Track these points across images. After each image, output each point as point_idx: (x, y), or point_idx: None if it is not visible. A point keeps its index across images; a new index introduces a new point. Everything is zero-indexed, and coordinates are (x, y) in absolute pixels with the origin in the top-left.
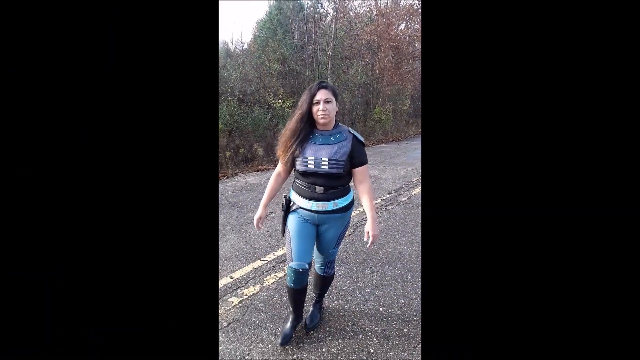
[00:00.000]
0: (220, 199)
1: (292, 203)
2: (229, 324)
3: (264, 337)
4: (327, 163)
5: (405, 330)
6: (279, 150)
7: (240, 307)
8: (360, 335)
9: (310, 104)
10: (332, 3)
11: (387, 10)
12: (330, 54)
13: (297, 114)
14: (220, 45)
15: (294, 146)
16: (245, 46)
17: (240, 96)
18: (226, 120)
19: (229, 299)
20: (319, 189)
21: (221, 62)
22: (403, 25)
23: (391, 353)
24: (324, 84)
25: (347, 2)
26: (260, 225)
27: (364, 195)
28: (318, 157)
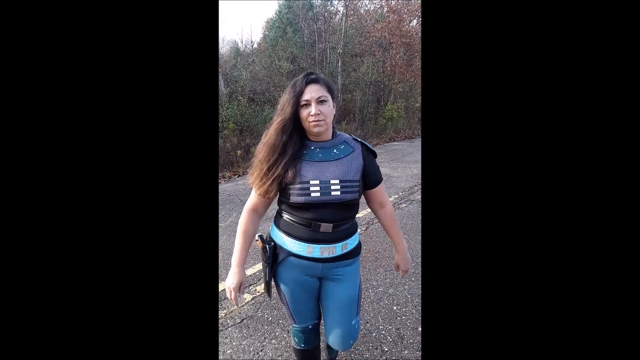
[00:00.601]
0: (232, 197)
1: (278, 249)
2: (242, 320)
3: (277, 334)
4: (338, 187)
5: (420, 329)
6: (253, 177)
7: (253, 303)
8: (374, 334)
9: (297, 106)
10: (342, 1)
11: (398, 7)
12: (341, 51)
13: (278, 121)
14: (230, 45)
15: (279, 168)
16: (255, 45)
17: (251, 95)
18: (237, 120)
19: (243, 295)
20: (325, 226)
21: (231, 61)
22: (415, 21)
23: (406, 352)
24: (313, 77)
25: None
26: (241, 298)
27: (392, 222)
28: (325, 179)
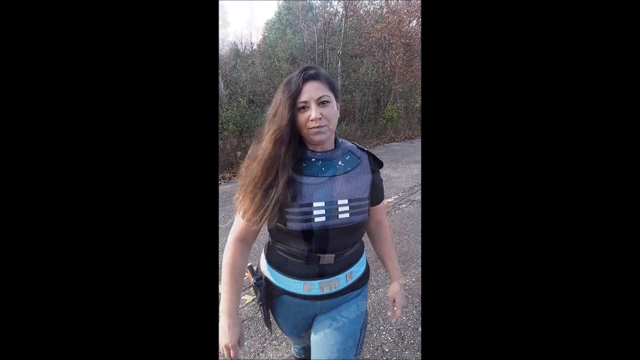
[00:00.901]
0: (232, 199)
1: (271, 287)
2: (243, 321)
3: (277, 335)
4: (347, 207)
5: (421, 329)
6: (245, 204)
7: (253, 305)
8: (375, 334)
9: (293, 110)
10: (342, 2)
11: (398, 8)
12: (340, 52)
13: (272, 131)
14: (229, 46)
15: (279, 188)
16: (255, 47)
17: (251, 96)
18: (237, 121)
19: (243, 297)
20: (327, 257)
21: (231, 63)
22: (415, 22)
23: (406, 352)
24: (311, 72)
25: (357, 0)
26: (241, 352)
27: (386, 243)
28: (331, 200)
